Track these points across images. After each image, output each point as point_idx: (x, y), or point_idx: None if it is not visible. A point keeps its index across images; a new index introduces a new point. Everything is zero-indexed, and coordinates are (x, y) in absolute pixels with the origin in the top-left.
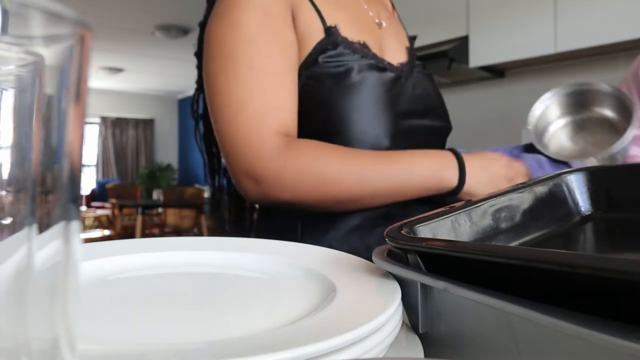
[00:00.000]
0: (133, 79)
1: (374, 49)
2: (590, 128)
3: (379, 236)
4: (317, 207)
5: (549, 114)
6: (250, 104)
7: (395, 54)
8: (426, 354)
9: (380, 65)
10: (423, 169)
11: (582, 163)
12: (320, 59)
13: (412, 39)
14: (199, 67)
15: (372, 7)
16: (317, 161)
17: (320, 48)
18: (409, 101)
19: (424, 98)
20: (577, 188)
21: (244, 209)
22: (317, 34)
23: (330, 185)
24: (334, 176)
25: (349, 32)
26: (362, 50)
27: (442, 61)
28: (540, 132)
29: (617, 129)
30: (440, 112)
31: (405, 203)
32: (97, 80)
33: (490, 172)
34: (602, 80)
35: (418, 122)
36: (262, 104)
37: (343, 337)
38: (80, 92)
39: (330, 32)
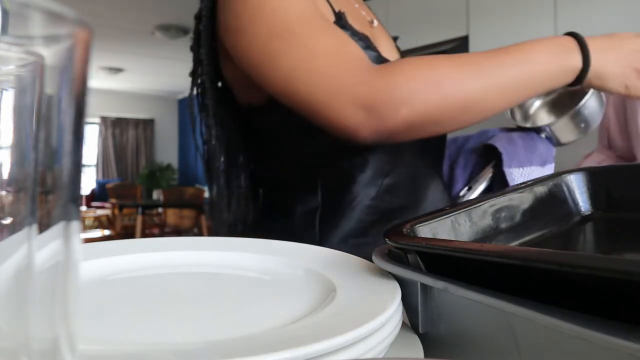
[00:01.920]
0: (133, 79)
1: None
2: (564, 101)
3: (375, 238)
4: (440, 121)
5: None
6: (319, 49)
7: (388, 52)
8: (426, 354)
9: (381, 60)
10: (543, 56)
11: (549, 128)
12: None
13: (394, 39)
14: (197, 60)
15: (361, 7)
16: (429, 66)
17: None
18: None
19: None
20: (577, 188)
21: (241, 209)
22: (329, 17)
23: (454, 85)
24: (454, 75)
25: (352, 23)
26: (366, 41)
27: None
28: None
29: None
30: None
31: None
32: (97, 80)
33: (618, 51)
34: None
35: None
36: (330, 43)
37: (343, 337)
38: (80, 92)
39: (340, 16)
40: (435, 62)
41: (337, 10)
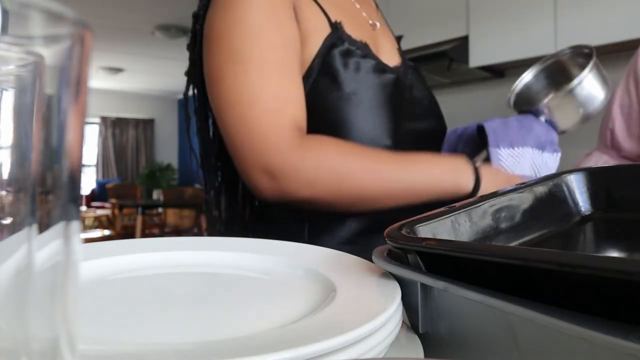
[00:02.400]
0: (133, 79)
1: (373, 50)
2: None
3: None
4: (334, 205)
5: (531, 91)
6: (263, 97)
7: (390, 56)
8: (426, 354)
9: (380, 67)
10: (440, 172)
11: (546, 111)
12: (333, 52)
13: (398, 38)
14: (193, 59)
15: (364, 7)
16: (338, 156)
17: (330, 43)
18: (408, 103)
19: (421, 100)
20: (577, 188)
21: (236, 209)
22: (323, 29)
23: (352, 181)
24: (356, 172)
25: (350, 32)
26: (364, 49)
27: (442, 61)
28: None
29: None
30: (436, 114)
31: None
32: (97, 80)
33: (497, 184)
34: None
35: (417, 125)
36: (275, 97)
37: (343, 337)
38: (80, 92)
39: (336, 27)
40: (345, 156)
41: (334, 20)
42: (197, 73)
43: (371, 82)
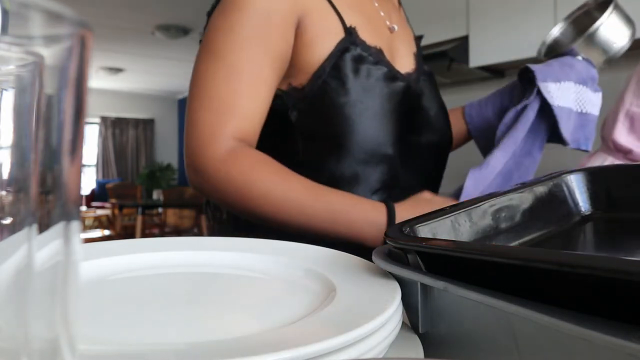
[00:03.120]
0: (133, 79)
1: (387, 57)
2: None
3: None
4: (240, 215)
5: (559, 44)
6: (217, 101)
7: (404, 61)
8: (426, 354)
9: (391, 75)
10: (353, 210)
11: (578, 47)
12: (345, 57)
13: (418, 38)
14: None
15: (383, 6)
16: (248, 176)
17: (342, 47)
18: (415, 114)
19: (427, 111)
20: (577, 188)
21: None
22: (337, 34)
23: (254, 201)
24: (259, 195)
25: (365, 36)
26: (377, 56)
27: (442, 61)
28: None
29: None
30: (441, 126)
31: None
32: (97, 80)
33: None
34: (603, 81)
35: (421, 137)
36: (228, 105)
37: (343, 337)
38: (80, 92)
39: (350, 32)
40: (263, 177)
41: (349, 24)
42: None
43: (379, 90)
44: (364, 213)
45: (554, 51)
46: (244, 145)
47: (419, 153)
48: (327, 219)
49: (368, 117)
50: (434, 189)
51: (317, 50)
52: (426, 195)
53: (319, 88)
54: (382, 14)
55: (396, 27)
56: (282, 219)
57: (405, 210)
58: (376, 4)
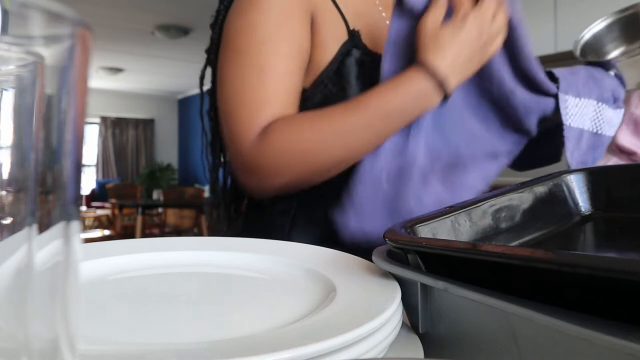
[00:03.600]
0: (133, 79)
1: None
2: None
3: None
4: (310, 179)
5: (599, 42)
6: (249, 98)
7: None
8: (426, 354)
9: None
10: (393, 95)
11: (617, 60)
12: (347, 60)
13: None
14: (209, 62)
15: (387, 9)
16: (289, 137)
17: (345, 50)
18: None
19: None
20: (577, 188)
21: (240, 208)
22: (341, 36)
23: (313, 154)
24: (314, 145)
25: (367, 41)
26: (379, 61)
27: None
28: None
29: None
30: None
31: None
32: (97, 80)
33: (463, 55)
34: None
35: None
36: (262, 99)
37: (343, 337)
38: (80, 92)
39: (353, 35)
40: (301, 133)
41: (352, 27)
42: (213, 55)
43: None
44: (409, 92)
45: (591, 48)
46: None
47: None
48: (383, 120)
49: None
50: None
51: (325, 53)
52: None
53: (321, 91)
54: (386, 19)
55: None
56: (350, 149)
57: (442, 59)
58: (381, 9)
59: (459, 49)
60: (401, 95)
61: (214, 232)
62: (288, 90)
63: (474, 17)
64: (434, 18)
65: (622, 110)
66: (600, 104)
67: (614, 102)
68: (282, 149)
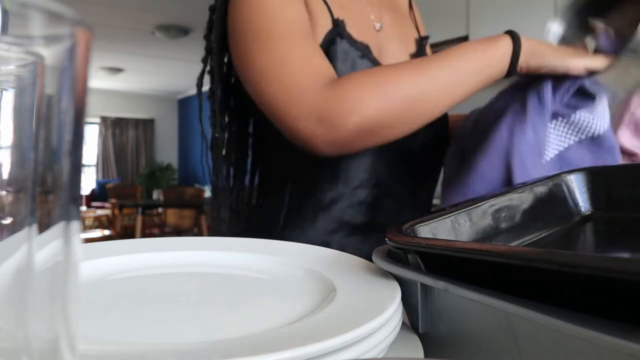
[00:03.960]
0: (133, 79)
1: (374, 54)
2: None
3: (359, 242)
4: (387, 122)
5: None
6: (289, 58)
7: (396, 60)
8: (426, 354)
9: None
10: (473, 49)
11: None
12: (332, 48)
13: (422, 40)
14: (208, 48)
15: (375, 8)
16: (369, 74)
17: (330, 38)
18: None
19: None
20: (577, 188)
21: (243, 209)
22: (326, 25)
23: (390, 88)
24: (390, 79)
25: (352, 31)
26: (363, 50)
27: None
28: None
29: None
30: (437, 129)
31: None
32: (97, 80)
33: (550, 48)
34: (602, 81)
35: (410, 139)
36: (304, 59)
37: (343, 337)
38: (80, 92)
39: (338, 24)
40: (378, 70)
41: (336, 17)
42: (213, 61)
43: None
44: (490, 55)
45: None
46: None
47: (407, 153)
48: (465, 77)
49: None
50: (426, 191)
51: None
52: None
53: None
54: (372, 17)
55: (380, 26)
56: (426, 86)
57: (528, 40)
58: (368, 8)
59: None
60: (482, 54)
61: (214, 233)
62: (315, 46)
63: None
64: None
65: (604, 100)
66: (559, 120)
67: (583, 101)
68: (359, 85)
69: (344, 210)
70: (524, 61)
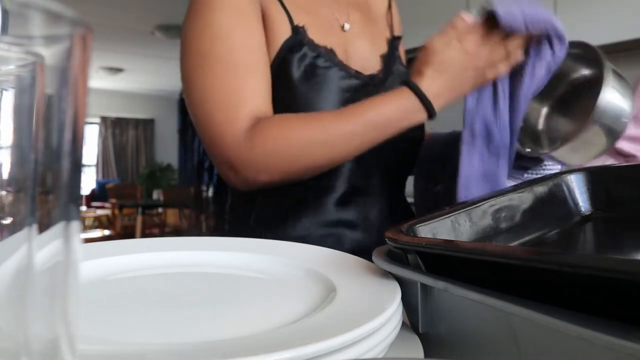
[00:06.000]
0: (133, 79)
1: (340, 56)
2: (569, 101)
3: (334, 241)
4: (296, 179)
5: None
6: (225, 97)
7: (365, 62)
8: (426, 354)
9: (343, 74)
10: (383, 106)
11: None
12: (289, 57)
13: (393, 40)
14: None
15: (342, 9)
16: (281, 138)
17: (287, 46)
18: None
19: None
20: (577, 188)
21: (223, 207)
22: (284, 33)
23: (301, 158)
24: (302, 148)
25: (315, 35)
26: (327, 54)
27: None
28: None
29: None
30: (414, 129)
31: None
32: (97, 80)
33: (448, 76)
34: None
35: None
36: (236, 95)
37: (343, 337)
38: (80, 92)
39: (297, 31)
40: (294, 132)
41: (296, 23)
42: None
43: (328, 90)
44: (397, 108)
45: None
46: (259, 119)
47: (379, 151)
48: (372, 132)
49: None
50: (396, 185)
51: (270, 48)
52: (434, 54)
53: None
54: (336, 14)
55: (348, 26)
56: (334, 156)
57: (430, 79)
58: (333, 10)
59: (454, 72)
60: (389, 109)
61: (190, 233)
62: (262, 82)
63: (481, 44)
64: (443, 39)
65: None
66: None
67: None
68: (274, 148)
69: (315, 208)
70: (437, 102)
